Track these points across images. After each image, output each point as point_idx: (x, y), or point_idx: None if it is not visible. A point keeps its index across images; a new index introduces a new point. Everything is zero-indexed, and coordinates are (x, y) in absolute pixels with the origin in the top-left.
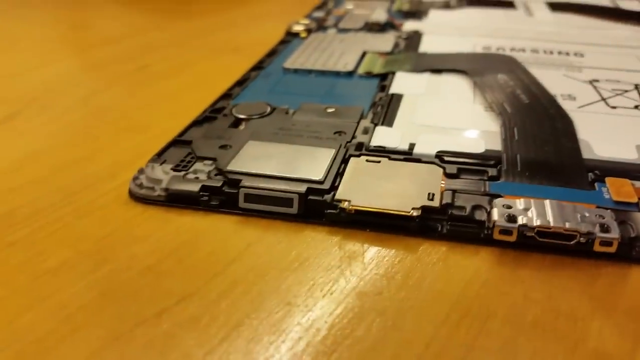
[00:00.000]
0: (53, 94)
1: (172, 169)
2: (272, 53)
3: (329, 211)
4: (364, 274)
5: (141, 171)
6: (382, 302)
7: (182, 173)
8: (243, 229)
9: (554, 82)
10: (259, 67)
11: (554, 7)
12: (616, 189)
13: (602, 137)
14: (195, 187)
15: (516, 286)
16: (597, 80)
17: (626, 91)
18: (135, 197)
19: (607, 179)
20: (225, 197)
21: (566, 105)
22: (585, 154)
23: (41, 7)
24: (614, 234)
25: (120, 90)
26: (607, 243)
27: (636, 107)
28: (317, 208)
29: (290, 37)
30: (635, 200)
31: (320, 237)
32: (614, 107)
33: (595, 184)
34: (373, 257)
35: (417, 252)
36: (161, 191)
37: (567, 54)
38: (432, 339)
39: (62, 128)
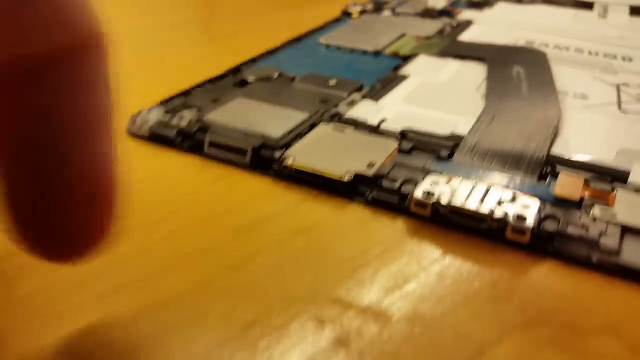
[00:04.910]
0: None
1: (165, 111)
2: (318, 29)
3: (274, 166)
4: (282, 222)
5: (139, 113)
6: (277, 245)
7: (168, 117)
8: (204, 171)
9: (575, 81)
10: (297, 39)
11: (634, 11)
12: (563, 184)
13: (586, 137)
14: (172, 132)
15: (412, 254)
16: (626, 85)
17: None
18: (128, 133)
19: (561, 172)
20: (194, 142)
21: (570, 102)
22: (557, 150)
23: None
24: (528, 223)
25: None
26: (519, 231)
27: None
28: (266, 161)
29: (345, 16)
30: (576, 198)
31: (261, 185)
32: (624, 112)
33: (548, 177)
34: (302, 209)
35: (338, 211)
36: (146, 132)
37: (614, 57)
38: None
39: None
